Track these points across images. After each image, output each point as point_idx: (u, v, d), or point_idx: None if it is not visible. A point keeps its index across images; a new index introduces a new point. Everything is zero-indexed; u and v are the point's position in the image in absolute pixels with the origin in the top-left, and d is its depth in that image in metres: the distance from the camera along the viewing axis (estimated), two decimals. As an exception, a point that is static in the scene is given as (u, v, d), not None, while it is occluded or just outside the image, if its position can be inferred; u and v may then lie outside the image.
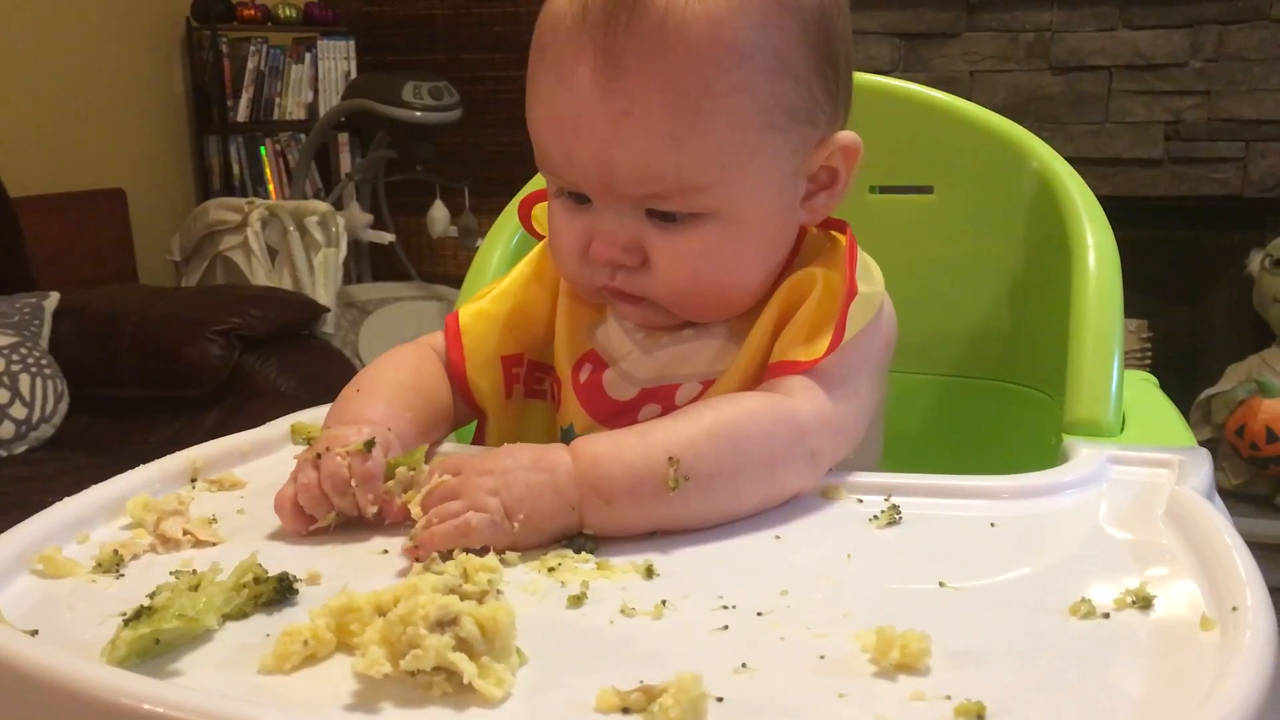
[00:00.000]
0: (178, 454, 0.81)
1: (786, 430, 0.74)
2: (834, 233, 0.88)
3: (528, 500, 0.68)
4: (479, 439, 0.94)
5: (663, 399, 0.85)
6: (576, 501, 0.69)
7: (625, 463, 0.70)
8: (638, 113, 0.74)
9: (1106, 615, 0.57)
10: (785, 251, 0.85)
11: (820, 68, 0.80)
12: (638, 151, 0.75)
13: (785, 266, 0.86)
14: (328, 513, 0.71)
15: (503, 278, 0.95)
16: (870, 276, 0.83)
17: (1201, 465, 0.77)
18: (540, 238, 0.96)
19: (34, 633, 0.56)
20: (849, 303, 0.79)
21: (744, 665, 0.53)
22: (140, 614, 0.55)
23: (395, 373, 0.89)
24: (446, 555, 0.64)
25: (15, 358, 2.66)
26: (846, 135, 0.84)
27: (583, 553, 0.67)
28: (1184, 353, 3.49)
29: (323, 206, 3.58)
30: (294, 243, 3.50)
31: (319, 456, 0.73)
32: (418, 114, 3.69)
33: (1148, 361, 3.31)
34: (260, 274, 3.52)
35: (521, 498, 0.68)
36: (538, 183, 1.20)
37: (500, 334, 0.91)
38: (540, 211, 0.96)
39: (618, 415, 0.86)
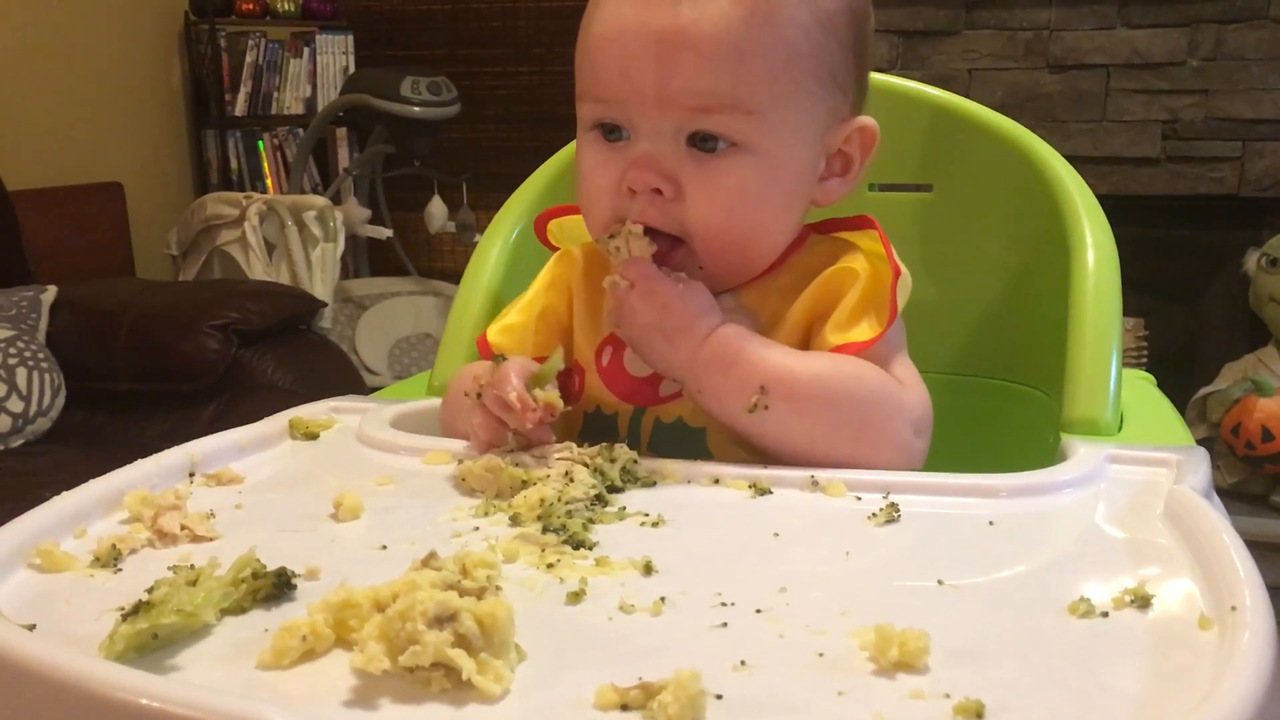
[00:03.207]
0: (176, 449, 0.81)
1: (890, 405, 0.82)
2: (844, 234, 0.91)
3: (645, 355, 0.84)
4: None
5: None
6: (680, 381, 0.84)
7: (727, 376, 0.81)
8: (706, 23, 0.79)
9: (1105, 614, 0.57)
10: (800, 219, 0.89)
11: (856, 46, 0.85)
12: (700, 59, 0.79)
13: (792, 250, 0.89)
14: (508, 436, 0.81)
15: (521, 295, 0.99)
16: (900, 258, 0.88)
17: (1200, 464, 0.77)
18: (554, 249, 1.00)
19: (31, 627, 0.56)
20: (896, 281, 0.85)
21: (743, 663, 0.53)
22: (138, 609, 0.54)
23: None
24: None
25: (12, 351, 2.66)
26: (866, 118, 0.88)
27: (581, 549, 0.67)
28: (1180, 351, 3.49)
29: (320, 201, 3.57)
30: (291, 237, 3.50)
31: (479, 397, 0.83)
32: (416, 109, 3.68)
33: (1144, 360, 3.31)
34: (258, 268, 3.52)
35: (641, 353, 0.85)
36: (536, 180, 1.20)
37: (534, 341, 0.94)
38: (556, 227, 1.00)
39: (639, 389, 0.90)
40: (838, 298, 0.86)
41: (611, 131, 0.84)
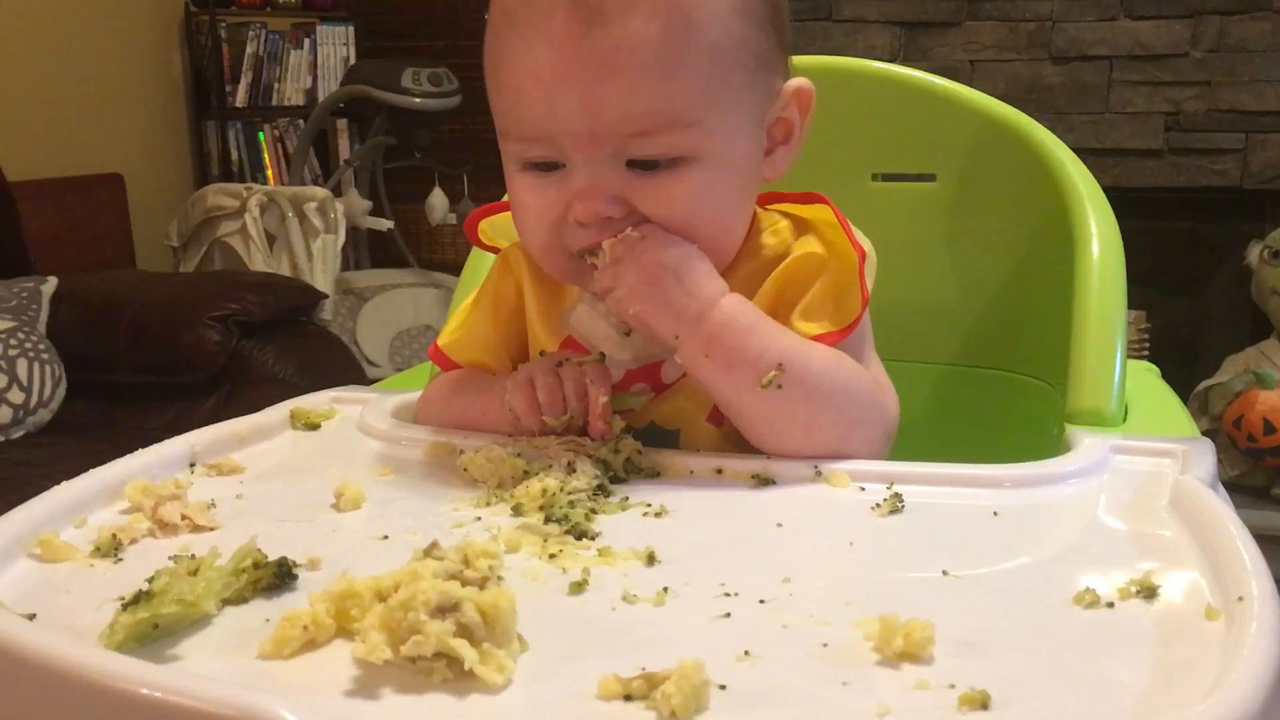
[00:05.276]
0: (176, 439, 0.81)
1: (877, 410, 0.82)
2: (794, 207, 0.89)
3: (653, 299, 0.78)
4: None
5: (648, 377, 0.86)
6: (685, 337, 0.78)
7: (744, 344, 0.78)
8: (625, 48, 0.75)
9: (1110, 605, 0.57)
10: (752, 209, 0.86)
11: (775, 18, 0.82)
12: (627, 86, 0.76)
13: (747, 235, 0.87)
14: (562, 416, 0.80)
15: (465, 305, 0.96)
16: (863, 237, 0.86)
17: (1205, 455, 0.76)
18: (487, 248, 0.98)
19: (31, 616, 0.56)
20: (863, 264, 0.83)
21: (746, 653, 0.52)
22: (139, 598, 0.54)
23: (471, 370, 0.93)
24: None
25: (13, 342, 2.66)
26: (798, 79, 0.85)
27: (584, 539, 0.66)
28: (1182, 344, 3.49)
29: (321, 193, 3.57)
30: (292, 229, 3.49)
31: (560, 365, 0.81)
32: (417, 100, 3.68)
33: (1146, 352, 3.31)
34: (258, 260, 3.52)
35: (649, 295, 0.78)
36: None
37: (496, 354, 0.92)
38: (488, 225, 0.97)
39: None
40: (804, 286, 0.84)
41: (546, 166, 0.81)
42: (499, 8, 0.81)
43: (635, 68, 0.75)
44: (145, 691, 0.46)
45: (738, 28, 0.79)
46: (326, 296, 3.25)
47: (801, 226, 0.88)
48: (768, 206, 0.89)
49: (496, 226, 0.96)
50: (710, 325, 0.78)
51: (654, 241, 0.78)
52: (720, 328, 0.78)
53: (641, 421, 0.87)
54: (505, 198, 1.16)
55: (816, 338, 0.82)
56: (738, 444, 0.83)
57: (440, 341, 0.94)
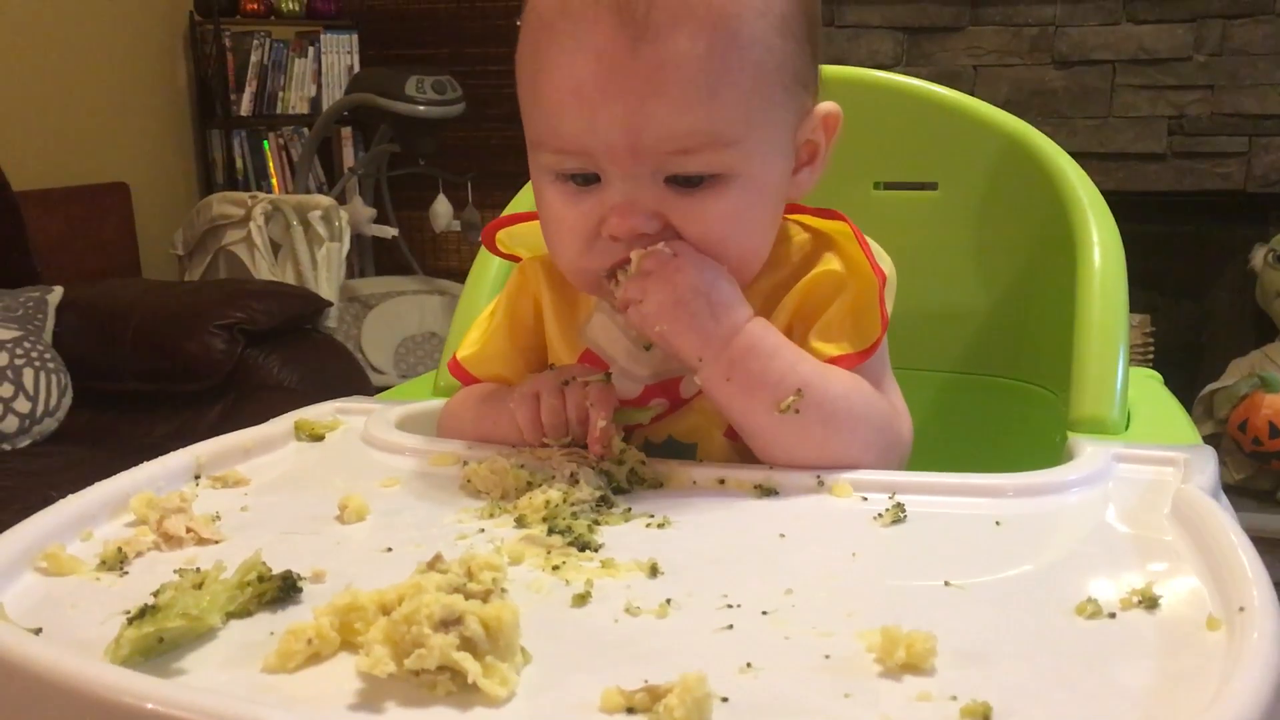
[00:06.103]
0: (181, 451, 0.81)
1: (891, 435, 0.83)
2: (812, 220, 0.89)
3: (682, 321, 0.78)
4: None
5: (668, 392, 0.86)
6: (709, 360, 0.79)
7: (766, 369, 0.78)
8: (671, 65, 0.74)
9: (1112, 615, 0.57)
10: (778, 227, 0.86)
11: (810, 34, 0.82)
12: (672, 103, 0.75)
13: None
14: (564, 438, 0.81)
15: (483, 317, 0.96)
16: (884, 256, 0.86)
17: (1207, 463, 0.76)
18: (507, 258, 0.98)
19: (38, 631, 0.56)
20: (883, 288, 0.83)
21: (749, 665, 0.52)
22: (144, 612, 0.54)
23: (493, 386, 0.93)
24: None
25: (19, 352, 2.66)
26: (827, 104, 0.85)
27: (587, 551, 0.67)
28: (1187, 348, 3.48)
29: (326, 201, 3.57)
30: (297, 237, 3.50)
31: (566, 384, 0.82)
32: (421, 108, 3.68)
33: (1150, 357, 3.30)
34: (263, 268, 3.52)
35: (679, 317, 0.78)
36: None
37: (514, 369, 0.92)
38: (506, 235, 0.96)
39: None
40: (822, 304, 0.84)
41: (581, 179, 0.80)
42: (536, 17, 0.79)
43: (680, 86, 0.74)
44: (151, 706, 0.46)
45: (779, 46, 0.78)
46: (331, 304, 3.25)
47: (823, 242, 0.87)
48: (787, 218, 0.89)
49: (515, 236, 0.96)
50: (735, 350, 0.78)
51: (688, 261, 0.78)
52: (745, 352, 0.78)
53: (659, 436, 0.87)
54: (511, 206, 1.18)
55: (835, 360, 0.82)
56: (753, 458, 0.83)
57: (460, 355, 0.94)
